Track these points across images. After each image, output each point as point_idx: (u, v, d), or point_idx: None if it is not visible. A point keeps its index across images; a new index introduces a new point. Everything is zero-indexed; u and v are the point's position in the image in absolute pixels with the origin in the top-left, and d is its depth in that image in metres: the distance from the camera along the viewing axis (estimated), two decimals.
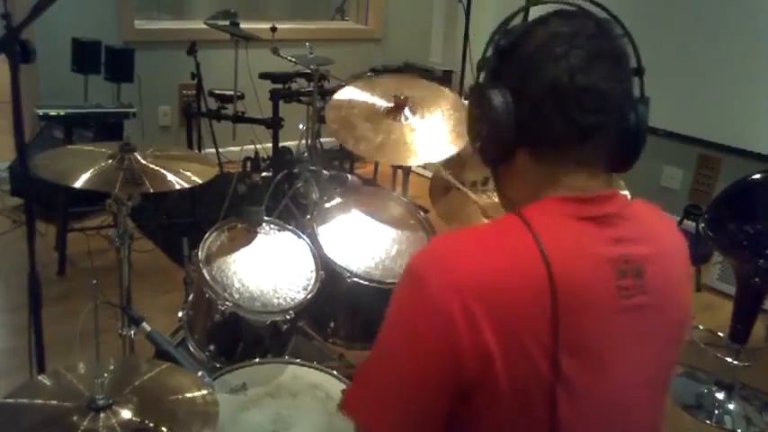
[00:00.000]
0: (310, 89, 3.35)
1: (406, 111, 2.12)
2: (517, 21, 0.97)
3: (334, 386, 1.57)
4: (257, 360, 1.64)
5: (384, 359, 0.88)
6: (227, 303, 1.64)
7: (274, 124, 3.57)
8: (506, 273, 0.82)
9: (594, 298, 0.85)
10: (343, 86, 2.23)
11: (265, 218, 1.89)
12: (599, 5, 0.96)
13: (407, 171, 2.32)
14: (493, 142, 0.92)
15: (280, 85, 3.63)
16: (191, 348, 1.75)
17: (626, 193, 1.86)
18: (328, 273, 1.79)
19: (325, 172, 2.08)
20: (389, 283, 1.83)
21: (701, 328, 2.94)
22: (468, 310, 0.79)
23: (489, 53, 0.94)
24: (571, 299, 0.82)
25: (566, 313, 0.81)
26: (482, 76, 0.96)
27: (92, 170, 1.67)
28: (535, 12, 0.95)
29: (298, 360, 1.65)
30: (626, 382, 0.89)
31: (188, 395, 1.24)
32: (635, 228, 0.92)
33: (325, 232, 1.91)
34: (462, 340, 0.79)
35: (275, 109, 3.58)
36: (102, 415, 1.14)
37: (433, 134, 2.07)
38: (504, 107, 0.89)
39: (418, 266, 0.86)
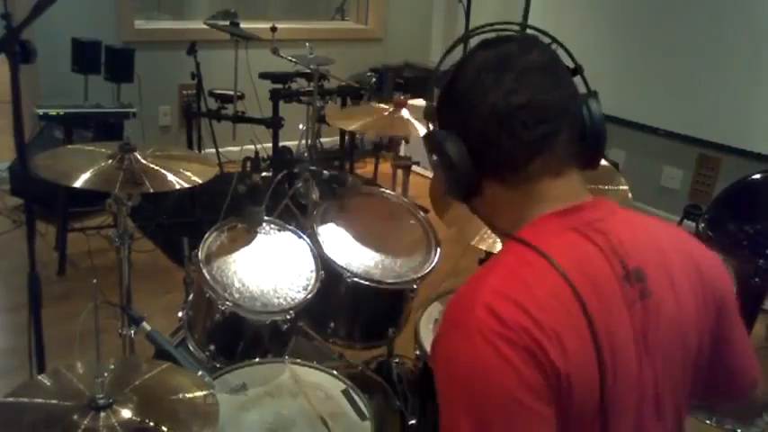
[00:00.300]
0: (310, 89, 3.35)
1: (405, 111, 2.13)
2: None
3: (334, 386, 1.57)
4: (257, 360, 1.64)
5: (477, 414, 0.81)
6: (228, 303, 1.64)
7: (274, 124, 3.58)
8: (544, 299, 0.83)
9: (611, 308, 0.86)
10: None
11: (265, 218, 1.89)
12: (532, 27, 1.01)
13: (407, 171, 2.32)
14: (456, 183, 0.96)
15: (280, 85, 3.64)
16: (191, 348, 1.75)
17: (625, 187, 1.86)
18: (328, 273, 1.79)
19: (325, 172, 2.08)
20: (389, 283, 1.83)
21: None
22: (536, 340, 0.80)
23: (429, 102, 1.00)
24: (595, 308, 0.84)
25: (597, 323, 0.83)
26: (431, 124, 1.00)
27: (92, 170, 1.67)
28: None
29: (298, 360, 1.65)
30: (642, 393, 0.89)
31: (188, 395, 1.24)
32: (627, 232, 0.92)
33: (325, 232, 1.91)
34: (543, 362, 0.80)
35: (275, 109, 3.58)
36: (102, 414, 1.14)
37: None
38: (455, 148, 0.93)
39: (470, 318, 0.83)
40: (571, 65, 0.99)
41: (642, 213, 1.01)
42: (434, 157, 0.97)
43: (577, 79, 0.99)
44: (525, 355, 0.79)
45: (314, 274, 1.78)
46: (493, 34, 0.99)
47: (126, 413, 1.16)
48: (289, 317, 1.68)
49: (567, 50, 0.98)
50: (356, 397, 1.54)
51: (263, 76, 3.68)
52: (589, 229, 0.90)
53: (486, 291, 0.85)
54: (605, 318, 0.85)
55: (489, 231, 1.79)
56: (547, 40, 0.97)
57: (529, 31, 1.02)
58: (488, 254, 2.04)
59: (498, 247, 1.78)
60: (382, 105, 2.30)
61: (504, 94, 0.89)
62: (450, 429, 0.83)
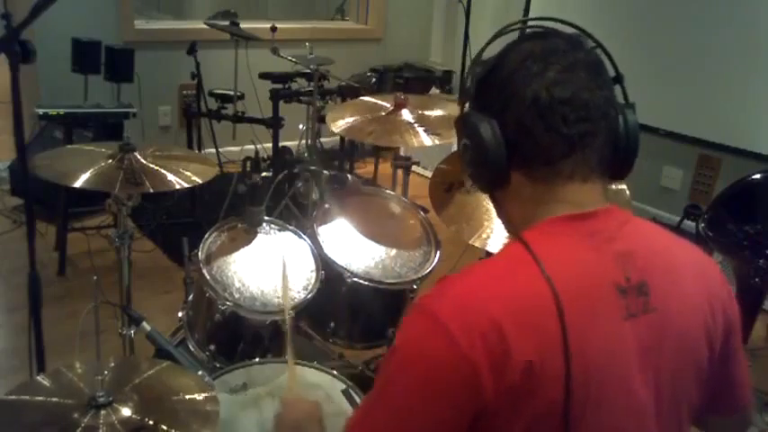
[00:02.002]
0: (310, 89, 3.35)
1: (405, 111, 2.13)
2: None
3: (334, 386, 1.57)
4: (257, 360, 1.64)
5: (391, 399, 0.85)
6: (228, 303, 1.65)
7: (274, 124, 3.58)
8: (519, 306, 0.82)
9: (600, 320, 0.84)
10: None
11: (265, 218, 1.89)
12: (569, 23, 0.98)
13: (408, 171, 2.32)
14: (486, 169, 0.93)
15: (280, 85, 3.64)
16: (191, 348, 1.76)
17: (623, 186, 1.85)
18: (328, 273, 1.79)
19: (325, 172, 2.08)
20: (389, 283, 1.83)
21: None
22: (489, 347, 0.79)
23: (468, 85, 0.97)
24: (579, 324, 0.82)
25: (575, 339, 0.81)
26: (465, 107, 0.98)
27: (92, 170, 1.67)
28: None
29: (298, 360, 1.65)
30: (632, 406, 0.87)
31: (188, 395, 1.24)
32: (636, 243, 0.91)
33: (325, 232, 1.91)
34: (483, 378, 0.79)
35: (275, 109, 3.58)
36: (102, 412, 1.14)
37: (427, 128, 2.09)
38: (491, 133, 0.90)
39: (433, 308, 0.84)
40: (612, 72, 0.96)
41: (658, 226, 0.98)
42: (466, 141, 0.95)
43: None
44: (469, 367, 0.78)
45: (314, 274, 1.78)
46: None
47: (126, 411, 1.16)
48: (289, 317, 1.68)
49: (610, 57, 0.95)
50: (356, 397, 1.54)
51: (263, 76, 3.68)
52: (598, 237, 0.88)
53: (463, 284, 0.85)
54: (590, 333, 0.83)
55: (488, 230, 1.79)
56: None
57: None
58: (488, 254, 2.04)
59: (495, 246, 1.77)
60: (379, 101, 2.27)
61: (548, 85, 0.87)
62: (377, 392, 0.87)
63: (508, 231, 1.01)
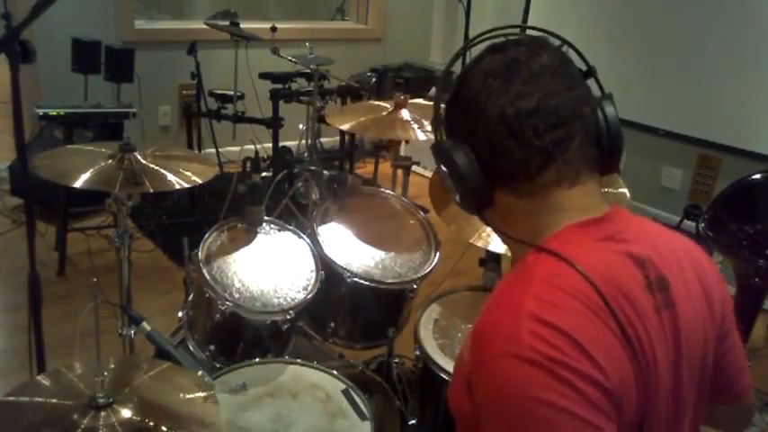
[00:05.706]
0: (310, 89, 3.35)
1: (405, 111, 2.13)
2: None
3: (334, 386, 1.57)
4: (257, 360, 1.64)
5: None
6: (228, 303, 1.64)
7: (274, 124, 3.58)
8: (584, 320, 0.81)
9: (644, 321, 0.85)
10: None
11: (265, 218, 1.89)
12: (536, 28, 0.98)
13: (407, 171, 2.32)
14: (467, 194, 0.92)
15: (280, 85, 3.64)
16: (191, 348, 1.75)
17: (625, 190, 1.85)
18: (328, 273, 1.79)
19: (325, 172, 2.08)
20: (389, 283, 1.83)
21: None
22: (589, 364, 0.78)
23: (440, 110, 0.96)
24: (629, 322, 0.83)
25: (633, 337, 0.82)
26: (439, 133, 0.97)
27: (92, 170, 1.67)
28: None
29: (298, 360, 1.65)
30: (673, 401, 0.88)
31: (188, 395, 1.24)
32: (645, 241, 0.91)
33: (325, 232, 1.91)
34: (602, 382, 0.78)
35: (275, 109, 3.59)
36: (102, 413, 1.14)
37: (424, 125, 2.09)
38: (464, 158, 0.89)
39: (519, 351, 0.78)
40: (583, 67, 0.95)
41: (651, 220, 0.99)
42: (444, 169, 0.94)
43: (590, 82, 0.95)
44: (585, 378, 0.77)
45: (314, 274, 1.78)
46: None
47: (126, 413, 1.16)
48: (289, 317, 1.68)
49: (578, 52, 0.94)
50: (356, 397, 1.54)
51: (263, 76, 3.68)
52: (612, 240, 0.88)
53: (526, 317, 0.80)
54: (639, 331, 0.83)
55: (489, 229, 1.79)
56: (556, 42, 0.94)
57: (534, 33, 0.99)
58: (488, 253, 2.04)
59: (497, 245, 1.77)
60: (381, 103, 2.28)
61: (512, 99, 0.86)
62: None
63: (511, 246, 0.99)
